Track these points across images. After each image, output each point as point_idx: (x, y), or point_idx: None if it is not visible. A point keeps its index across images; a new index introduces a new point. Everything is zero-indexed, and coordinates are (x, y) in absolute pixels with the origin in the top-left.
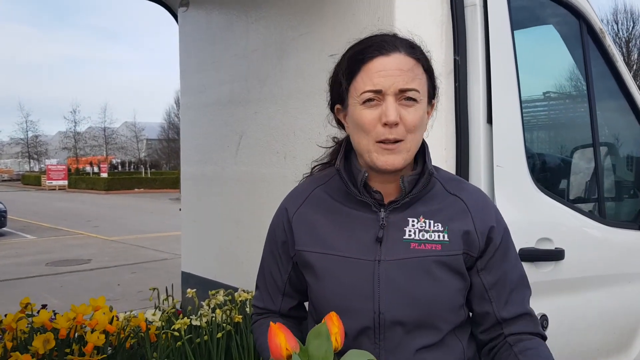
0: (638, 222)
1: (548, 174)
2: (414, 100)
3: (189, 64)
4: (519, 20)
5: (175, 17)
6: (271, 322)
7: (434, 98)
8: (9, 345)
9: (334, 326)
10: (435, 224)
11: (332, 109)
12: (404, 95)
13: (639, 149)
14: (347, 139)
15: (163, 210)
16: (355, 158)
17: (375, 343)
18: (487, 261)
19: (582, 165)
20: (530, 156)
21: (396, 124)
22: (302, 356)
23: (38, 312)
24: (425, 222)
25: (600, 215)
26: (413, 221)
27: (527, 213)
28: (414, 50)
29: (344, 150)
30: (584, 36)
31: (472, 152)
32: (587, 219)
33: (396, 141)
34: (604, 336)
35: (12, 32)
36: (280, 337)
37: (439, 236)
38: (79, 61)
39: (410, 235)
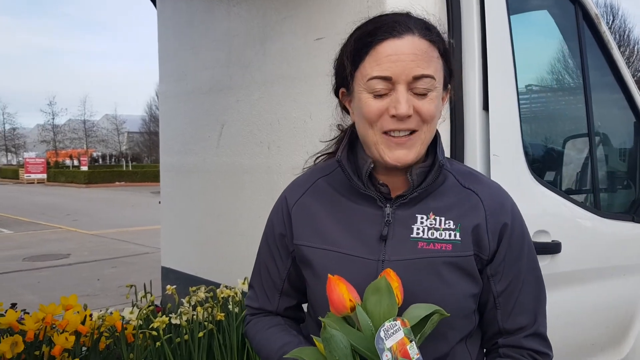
0: (631, 214)
1: (544, 165)
2: (430, 89)
3: (167, 49)
4: (514, 5)
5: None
6: (329, 275)
7: (450, 83)
8: None
9: (393, 281)
10: (447, 222)
11: (336, 93)
12: (417, 83)
13: (633, 138)
14: (353, 127)
15: (144, 204)
16: (362, 147)
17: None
18: (498, 266)
19: (577, 155)
20: (527, 145)
21: (408, 117)
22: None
23: (5, 312)
24: (435, 220)
25: (595, 207)
26: (422, 218)
27: (524, 205)
28: (430, 32)
29: (348, 139)
30: (579, 22)
31: (467, 140)
32: (582, 211)
33: (411, 132)
34: (600, 330)
35: None
36: (342, 288)
37: (450, 235)
38: (56, 52)
39: (418, 233)
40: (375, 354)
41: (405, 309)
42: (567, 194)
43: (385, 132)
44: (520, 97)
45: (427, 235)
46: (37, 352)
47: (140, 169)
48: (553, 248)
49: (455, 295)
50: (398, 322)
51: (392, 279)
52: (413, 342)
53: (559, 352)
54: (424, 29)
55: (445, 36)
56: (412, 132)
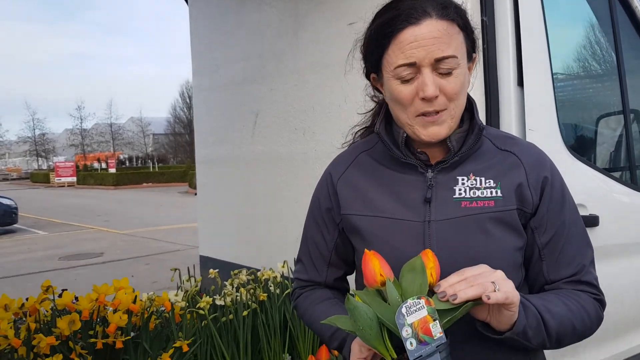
0: None
1: (580, 140)
2: (453, 67)
3: (200, 43)
4: None
5: None
6: (365, 250)
7: (474, 52)
8: (33, 326)
9: (429, 261)
10: (487, 181)
11: (367, 77)
12: (440, 64)
13: None
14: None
15: (172, 204)
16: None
17: None
18: (541, 218)
19: (612, 132)
20: (563, 121)
21: (436, 97)
22: (395, 286)
23: (60, 295)
24: (476, 180)
25: (632, 182)
26: (463, 180)
27: None
28: (447, 10)
29: (384, 112)
30: None
31: (502, 116)
32: (619, 186)
33: (437, 111)
34: (639, 306)
35: (17, 30)
36: (375, 263)
37: (491, 192)
38: (83, 57)
39: (460, 194)
40: None
41: (456, 269)
42: (603, 170)
43: (418, 116)
44: (554, 73)
45: (469, 194)
46: (91, 332)
47: (166, 170)
48: (591, 221)
49: (501, 249)
50: (422, 301)
51: (428, 259)
52: (437, 321)
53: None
54: (441, 8)
55: (463, 7)
56: (441, 110)
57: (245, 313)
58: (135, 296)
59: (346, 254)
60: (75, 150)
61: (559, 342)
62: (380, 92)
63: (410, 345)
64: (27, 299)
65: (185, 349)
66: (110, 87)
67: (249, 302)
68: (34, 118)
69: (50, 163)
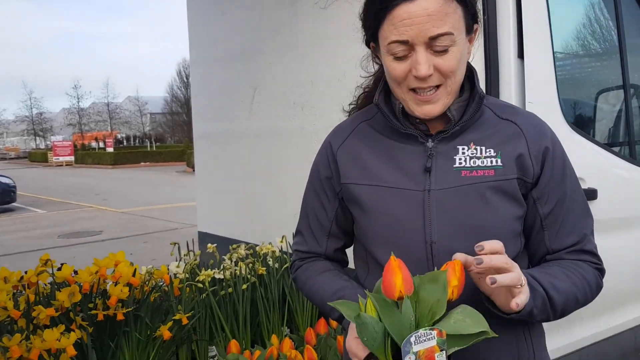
0: None
1: (579, 113)
2: (449, 44)
3: (197, 16)
4: None
5: None
6: (392, 257)
7: (475, 23)
8: (32, 298)
9: (454, 278)
10: (488, 150)
11: (367, 45)
12: (435, 42)
13: None
14: None
15: (170, 183)
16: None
17: None
18: (543, 189)
19: (612, 106)
20: (563, 95)
21: (429, 76)
22: (412, 299)
23: (59, 269)
24: (476, 149)
25: (631, 157)
26: (463, 149)
27: None
28: None
29: (383, 82)
30: None
31: (502, 88)
32: (618, 160)
33: (431, 87)
34: (636, 279)
35: (12, 10)
36: (398, 277)
37: (491, 161)
38: (79, 36)
39: (460, 163)
40: None
41: (456, 238)
42: (602, 144)
43: (412, 89)
44: (555, 46)
45: (469, 164)
46: (90, 304)
47: (164, 149)
48: (589, 195)
49: (500, 218)
50: (434, 332)
51: (454, 275)
52: (443, 352)
53: (595, 300)
54: None
55: None
56: (437, 86)
57: (244, 287)
58: (135, 269)
59: (346, 224)
60: (72, 129)
61: (562, 315)
62: (380, 62)
63: None
64: (26, 272)
65: (185, 321)
66: (106, 65)
67: (248, 276)
68: (31, 97)
69: (48, 142)
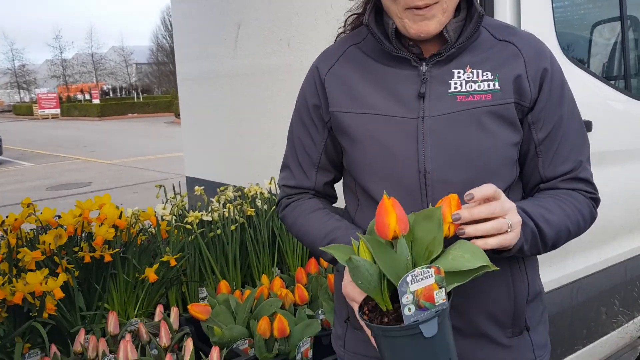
0: None
1: (575, 44)
2: None
3: None
4: None
5: None
6: (384, 196)
7: None
8: (13, 242)
9: (449, 214)
10: (485, 73)
11: None
12: None
13: None
14: None
15: (158, 134)
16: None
17: (422, 208)
18: (539, 113)
19: (608, 39)
20: (559, 23)
21: None
22: (407, 238)
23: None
24: (472, 72)
25: (627, 89)
26: (459, 72)
27: None
28: None
29: (373, 2)
30: None
31: (497, 13)
32: (614, 92)
33: (427, 5)
34: (631, 212)
35: None
36: (392, 218)
37: (488, 85)
38: None
39: (456, 87)
40: None
41: (451, 166)
42: (598, 75)
43: (408, 9)
44: None
45: (466, 88)
46: (75, 248)
47: (151, 100)
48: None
49: (496, 144)
50: (431, 270)
51: (450, 210)
52: (442, 289)
53: (588, 231)
54: None
55: None
56: (432, 4)
57: (232, 227)
58: (121, 212)
59: (336, 156)
60: (57, 81)
61: (554, 247)
62: None
63: (409, 311)
64: (7, 216)
65: (173, 263)
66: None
67: (237, 217)
68: (13, 49)
69: (33, 95)
